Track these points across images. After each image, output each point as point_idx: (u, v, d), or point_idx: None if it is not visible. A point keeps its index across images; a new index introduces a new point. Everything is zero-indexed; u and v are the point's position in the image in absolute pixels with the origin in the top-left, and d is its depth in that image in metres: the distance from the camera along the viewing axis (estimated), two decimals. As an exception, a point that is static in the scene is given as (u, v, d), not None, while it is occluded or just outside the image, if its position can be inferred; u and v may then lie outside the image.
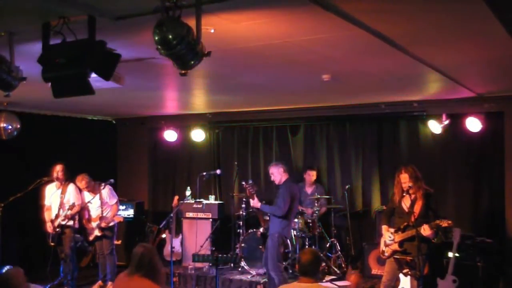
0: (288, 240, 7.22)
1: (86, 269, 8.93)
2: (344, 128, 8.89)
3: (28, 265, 5.79)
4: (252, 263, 7.89)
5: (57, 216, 7.33)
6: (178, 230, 8.82)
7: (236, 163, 9.29)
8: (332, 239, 8.19)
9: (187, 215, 8.88)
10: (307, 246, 7.76)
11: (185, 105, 8.91)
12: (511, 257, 7.28)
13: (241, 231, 8.31)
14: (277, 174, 6.73)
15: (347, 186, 8.52)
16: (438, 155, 8.13)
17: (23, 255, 7.99)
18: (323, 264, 7.77)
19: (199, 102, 8.62)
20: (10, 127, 7.62)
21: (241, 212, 8.42)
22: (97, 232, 7.52)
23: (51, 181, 7.44)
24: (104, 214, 7.51)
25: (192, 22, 3.09)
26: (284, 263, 7.04)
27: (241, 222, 8.37)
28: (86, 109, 9.46)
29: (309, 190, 8.66)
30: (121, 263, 7.97)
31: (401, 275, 5.95)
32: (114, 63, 3.63)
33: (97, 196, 7.49)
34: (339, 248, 8.16)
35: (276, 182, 6.80)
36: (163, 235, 8.88)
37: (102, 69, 3.58)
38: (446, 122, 7.75)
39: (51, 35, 3.57)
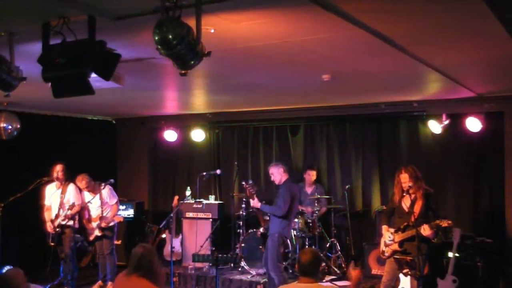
0: (288, 240, 7.22)
1: (86, 269, 8.92)
2: (344, 128, 8.89)
3: (28, 265, 5.78)
4: (252, 263, 7.88)
5: (57, 216, 7.33)
6: (178, 230, 8.81)
7: (236, 163, 9.29)
8: (332, 239, 8.19)
9: (187, 215, 8.87)
10: (307, 246, 7.76)
11: (185, 105, 8.90)
12: (511, 257, 7.28)
13: (241, 231, 8.30)
14: (277, 174, 6.72)
15: (347, 186, 8.51)
16: (438, 155, 8.12)
17: (23, 255, 7.98)
18: (323, 264, 7.77)
19: (199, 102, 8.62)
20: (10, 127, 7.62)
21: (241, 212, 8.42)
22: (97, 232, 7.52)
23: (51, 181, 7.44)
24: (104, 214, 7.51)
25: (192, 22, 3.09)
26: (284, 263, 7.04)
27: (241, 222, 8.36)
28: (86, 109, 9.46)
29: (309, 190, 8.66)
30: (121, 263, 7.95)
31: (401, 275, 5.95)
32: (114, 63, 3.63)
33: (97, 196, 7.49)
34: (339, 248, 8.15)
35: (276, 182, 6.80)
36: (163, 235, 8.88)
37: (102, 69, 3.58)
38: (446, 122, 7.75)
39: (51, 35, 3.57)
